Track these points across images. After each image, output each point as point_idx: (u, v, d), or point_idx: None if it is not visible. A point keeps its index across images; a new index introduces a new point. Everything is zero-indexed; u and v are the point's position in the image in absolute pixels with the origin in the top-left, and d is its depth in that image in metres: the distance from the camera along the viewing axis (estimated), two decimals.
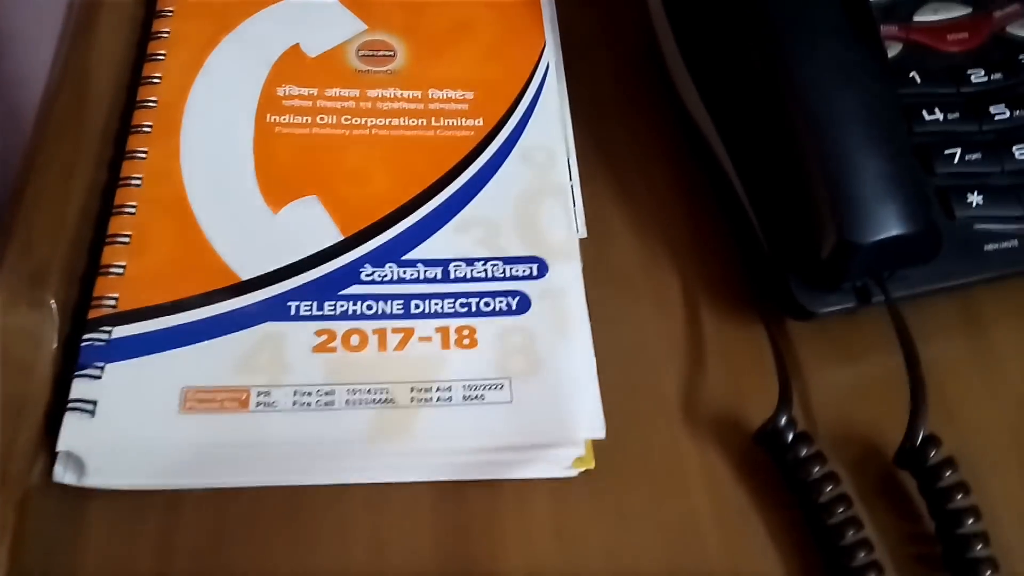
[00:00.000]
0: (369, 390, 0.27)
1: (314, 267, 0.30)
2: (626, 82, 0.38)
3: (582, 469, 0.28)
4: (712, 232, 0.34)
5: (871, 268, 0.30)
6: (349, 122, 0.34)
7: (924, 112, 0.33)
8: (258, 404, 0.27)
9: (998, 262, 0.32)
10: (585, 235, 0.33)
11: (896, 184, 0.29)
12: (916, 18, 0.36)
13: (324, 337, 0.28)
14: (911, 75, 0.34)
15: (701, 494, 0.29)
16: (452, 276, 0.30)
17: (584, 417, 0.27)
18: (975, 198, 0.32)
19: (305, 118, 0.33)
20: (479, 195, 0.32)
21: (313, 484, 0.27)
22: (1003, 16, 0.37)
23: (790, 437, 0.28)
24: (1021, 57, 0.35)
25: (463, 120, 0.34)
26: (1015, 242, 0.32)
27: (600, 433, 0.27)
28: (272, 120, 0.33)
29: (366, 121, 0.34)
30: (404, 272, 0.30)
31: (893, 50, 0.35)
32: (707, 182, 0.35)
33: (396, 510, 0.28)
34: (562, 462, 0.28)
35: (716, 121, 0.33)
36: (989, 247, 0.32)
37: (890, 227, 0.29)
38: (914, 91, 0.34)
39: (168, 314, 0.28)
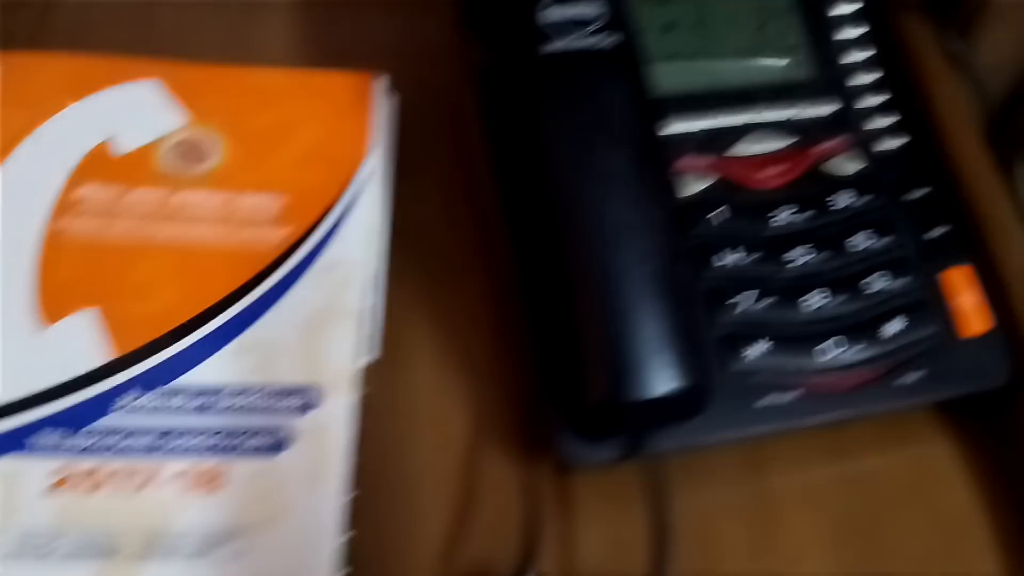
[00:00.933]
0: (96, 539, 0.26)
1: (73, 392, 0.28)
2: (457, 197, 0.36)
3: None
4: (512, 365, 0.33)
5: (635, 424, 0.29)
6: (147, 228, 0.32)
7: (721, 252, 0.32)
8: None
9: (772, 418, 0.31)
10: (377, 357, 0.31)
11: (663, 344, 0.28)
12: (734, 150, 0.35)
13: (61, 476, 0.27)
14: (715, 212, 0.33)
15: None
16: (217, 407, 0.29)
17: (322, 572, 0.26)
18: (758, 348, 0.31)
19: (101, 222, 0.32)
20: (267, 314, 0.31)
21: None
22: (822, 151, 0.36)
23: None
24: (829, 199, 0.34)
25: (269, 229, 0.33)
26: (791, 398, 0.31)
27: None
28: (65, 224, 0.32)
29: (166, 227, 0.32)
30: (166, 402, 0.29)
31: (702, 184, 0.34)
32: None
33: None
34: None
35: (518, 257, 0.32)
36: (764, 402, 0.31)
37: (654, 388, 0.28)
38: (716, 229, 0.33)
39: None
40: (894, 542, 0.32)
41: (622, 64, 0.31)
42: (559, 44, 0.30)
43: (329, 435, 0.29)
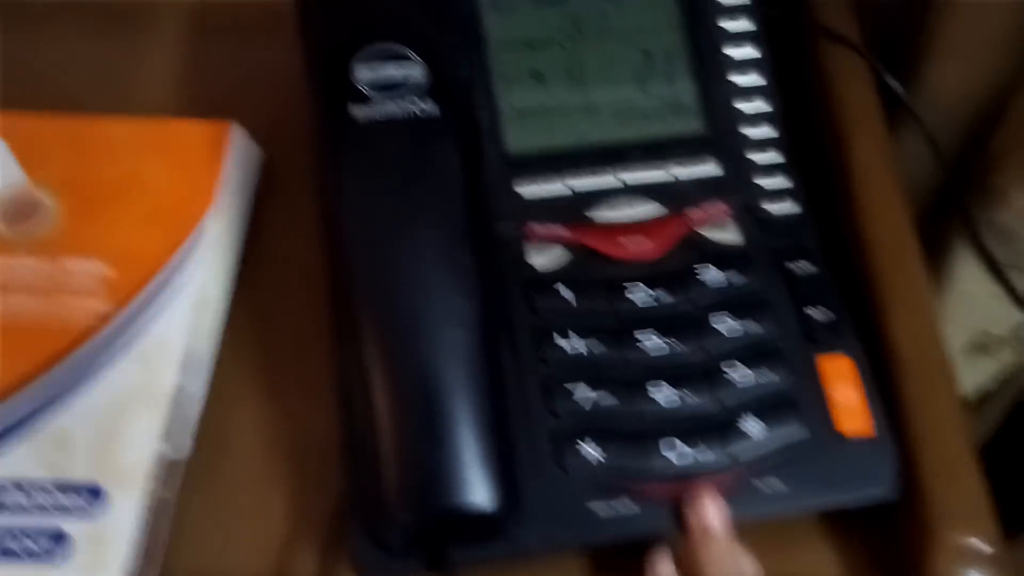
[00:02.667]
0: None
1: None
2: (311, 261, 0.32)
3: None
4: (335, 465, 0.29)
5: (431, 538, 0.26)
6: None
7: (561, 338, 0.28)
8: None
9: (607, 527, 0.27)
10: (188, 453, 0.29)
11: (463, 458, 0.25)
12: (597, 215, 0.31)
13: None
14: (561, 291, 0.29)
15: None
16: None
17: None
18: (591, 448, 0.27)
19: None
20: (68, 399, 0.28)
21: None
22: (698, 218, 0.31)
23: None
24: (697, 268, 0.30)
25: (88, 301, 0.30)
26: (631, 504, 0.27)
27: None
28: None
29: None
30: None
31: (557, 254, 0.30)
32: None
33: None
34: None
35: (335, 347, 0.28)
36: (595, 508, 0.27)
37: (449, 504, 0.25)
38: (564, 306, 0.29)
39: None
40: None
41: (438, 133, 0.28)
42: (367, 109, 0.27)
43: (111, 543, 0.26)
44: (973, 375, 0.44)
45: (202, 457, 0.29)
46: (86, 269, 0.31)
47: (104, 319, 0.30)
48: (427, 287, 0.26)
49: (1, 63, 0.36)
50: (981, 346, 0.43)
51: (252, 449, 0.30)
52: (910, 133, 0.39)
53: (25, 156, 0.33)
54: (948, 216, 0.40)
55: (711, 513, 0.27)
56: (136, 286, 0.31)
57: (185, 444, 0.29)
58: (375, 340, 0.26)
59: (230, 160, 0.33)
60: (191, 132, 0.34)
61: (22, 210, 0.32)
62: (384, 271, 0.26)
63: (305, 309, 0.32)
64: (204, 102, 0.36)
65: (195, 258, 0.31)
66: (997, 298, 0.40)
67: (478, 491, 0.25)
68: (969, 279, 0.40)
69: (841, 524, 0.30)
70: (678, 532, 0.27)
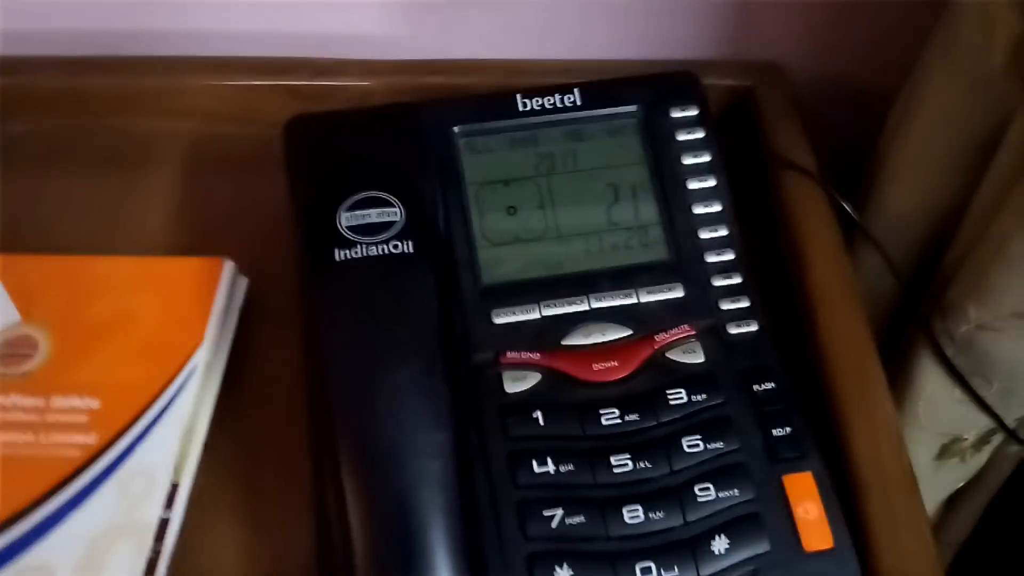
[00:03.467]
0: None
1: None
2: (293, 386, 0.33)
3: None
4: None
5: None
6: None
7: (534, 462, 0.29)
8: None
9: None
10: None
11: None
12: (568, 340, 0.33)
13: None
14: (534, 415, 0.30)
15: None
16: None
17: None
18: (565, 572, 0.28)
19: None
20: (52, 533, 0.29)
21: None
22: (664, 340, 0.33)
23: None
24: (667, 396, 0.31)
25: (75, 436, 0.31)
26: None
27: None
28: None
29: None
30: None
31: (530, 380, 0.32)
32: None
33: None
34: None
35: (313, 472, 0.29)
36: None
37: None
38: (532, 434, 0.30)
39: None
40: None
41: (413, 270, 0.30)
42: (350, 252, 0.29)
43: None
44: (944, 479, 0.45)
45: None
46: (75, 405, 0.32)
47: (91, 453, 0.31)
48: (401, 417, 0.28)
49: (7, 206, 0.39)
50: (951, 450, 0.44)
51: (228, 568, 0.30)
52: (868, 252, 0.42)
53: (20, 296, 0.35)
54: (910, 329, 0.42)
55: None
56: (124, 420, 0.32)
57: (163, 570, 0.29)
58: (350, 468, 0.27)
59: (220, 294, 0.35)
60: (183, 269, 0.36)
61: (16, 350, 0.34)
62: (360, 401, 0.28)
63: (285, 431, 0.33)
64: (194, 232, 0.38)
65: (183, 391, 0.33)
66: (963, 403, 0.41)
67: None
68: (934, 388, 0.41)
69: None
70: None
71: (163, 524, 0.30)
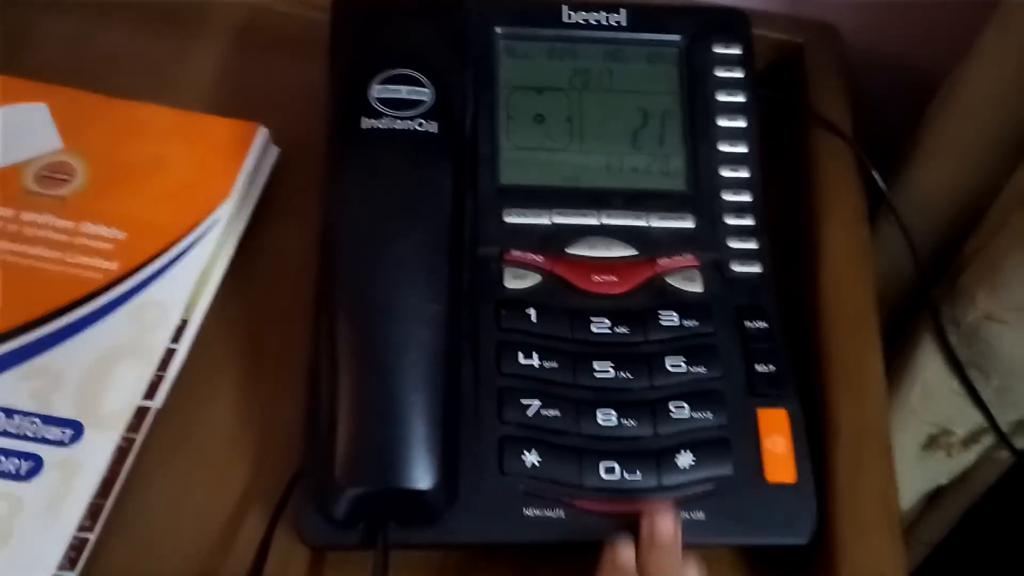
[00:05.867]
0: None
1: None
2: (307, 257, 0.35)
3: None
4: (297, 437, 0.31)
5: (369, 512, 0.29)
6: None
7: (520, 354, 0.32)
8: None
9: (536, 530, 0.30)
10: (162, 406, 0.32)
11: (407, 439, 0.28)
12: (572, 249, 0.35)
13: None
14: (527, 312, 0.32)
15: None
16: None
17: None
18: (532, 457, 0.30)
19: None
20: (64, 344, 0.32)
21: None
22: (666, 266, 0.35)
23: None
24: (660, 313, 0.33)
25: (99, 260, 0.34)
26: (560, 512, 0.30)
27: None
28: None
29: (3, 244, 0.34)
30: None
31: (530, 279, 0.34)
32: None
33: None
34: None
35: (313, 323, 0.32)
36: (530, 512, 0.30)
37: (385, 481, 0.28)
38: (523, 328, 0.32)
39: None
40: None
41: (434, 150, 0.31)
42: (377, 122, 0.31)
43: (80, 473, 0.29)
44: (928, 471, 0.46)
45: (174, 410, 0.32)
46: (102, 233, 0.35)
47: (112, 278, 0.34)
48: (401, 283, 0.30)
49: (68, 43, 0.41)
50: (939, 443, 0.45)
51: (221, 413, 0.33)
52: (890, 228, 0.43)
53: (65, 125, 0.37)
54: (918, 311, 0.43)
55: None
56: (146, 254, 0.35)
57: (163, 396, 0.32)
58: (347, 325, 0.29)
59: (251, 155, 0.37)
60: (220, 127, 0.38)
61: (55, 173, 0.36)
62: (366, 263, 0.30)
63: (291, 297, 0.35)
64: (234, 99, 0.40)
65: (204, 238, 0.35)
66: (958, 396, 0.42)
67: (419, 473, 0.28)
68: (932, 374, 0.42)
69: (758, 568, 0.32)
70: (601, 541, 0.30)
71: (169, 353, 0.33)
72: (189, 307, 0.34)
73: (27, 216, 0.35)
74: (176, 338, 0.33)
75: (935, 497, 0.49)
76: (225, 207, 0.36)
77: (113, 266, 0.34)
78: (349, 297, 0.30)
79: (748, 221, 0.36)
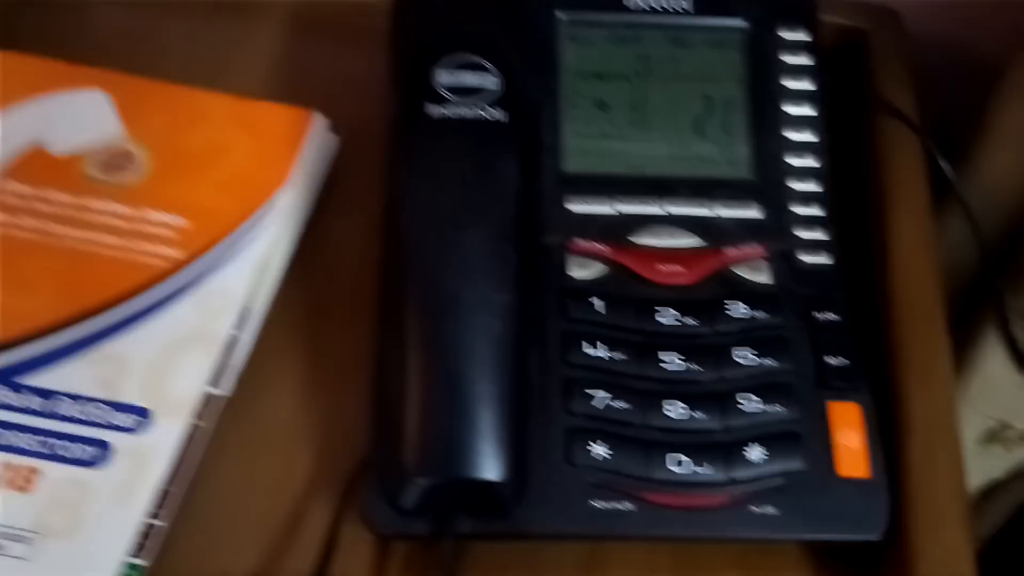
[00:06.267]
0: None
1: None
2: (368, 247, 0.34)
3: None
4: (363, 425, 0.31)
5: (440, 502, 0.28)
6: (51, 228, 0.34)
7: (586, 344, 0.31)
8: None
9: (605, 522, 0.29)
10: (229, 393, 0.32)
11: (479, 431, 0.28)
12: (638, 239, 0.34)
13: None
14: (593, 302, 0.32)
15: None
16: (50, 411, 0.30)
17: None
18: (601, 449, 0.30)
19: (10, 217, 0.34)
20: (130, 331, 0.32)
21: None
22: (733, 256, 0.34)
23: None
24: (728, 303, 0.33)
25: (163, 248, 0.34)
26: (630, 505, 0.30)
27: None
28: None
29: (68, 230, 0.34)
30: (7, 397, 0.30)
31: (595, 269, 0.33)
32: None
33: None
34: None
35: (379, 310, 0.32)
36: (598, 505, 0.29)
37: (456, 471, 0.28)
38: (595, 317, 0.32)
39: None
40: None
41: (502, 138, 0.31)
42: (443, 109, 0.31)
43: (150, 460, 0.29)
44: (984, 464, 0.45)
45: (240, 398, 0.32)
46: (165, 220, 0.35)
47: (175, 266, 0.34)
48: (470, 272, 0.29)
49: (125, 31, 0.41)
50: (997, 436, 0.44)
51: (286, 401, 0.33)
52: (955, 217, 0.42)
53: (127, 113, 0.37)
54: (982, 302, 0.42)
55: None
56: (208, 242, 0.35)
57: (229, 385, 0.32)
58: (416, 313, 0.29)
59: (308, 144, 0.37)
60: (277, 115, 0.38)
61: (116, 160, 0.36)
62: (434, 252, 0.30)
63: (352, 287, 0.35)
64: (292, 89, 0.40)
65: (264, 226, 0.35)
66: (1020, 389, 0.41)
67: (490, 463, 0.28)
68: (994, 366, 0.41)
69: (828, 564, 0.32)
70: (670, 535, 0.29)
71: (233, 340, 0.33)
72: (252, 295, 0.34)
73: (90, 203, 0.35)
74: (240, 325, 0.33)
75: (988, 492, 0.49)
76: (285, 195, 0.36)
77: (176, 253, 0.34)
78: (417, 286, 0.30)
79: (816, 211, 0.35)
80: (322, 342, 0.35)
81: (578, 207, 0.34)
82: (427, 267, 0.30)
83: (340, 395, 0.33)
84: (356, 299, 0.35)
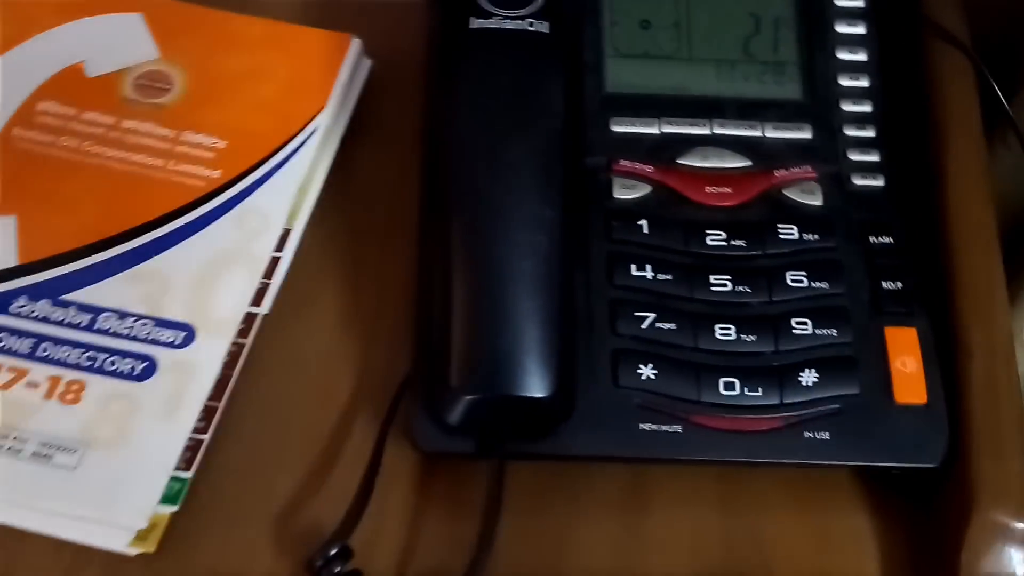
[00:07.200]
0: None
1: None
2: (404, 169, 0.35)
3: (140, 551, 0.28)
4: (405, 343, 0.31)
5: (485, 420, 0.28)
6: (91, 148, 0.34)
7: (632, 266, 0.30)
8: None
9: (651, 444, 0.29)
10: (269, 311, 0.32)
11: (525, 347, 0.27)
12: (684, 160, 0.33)
13: None
14: (639, 223, 0.31)
15: None
16: (96, 327, 0.30)
17: (137, 505, 0.27)
18: (648, 370, 0.29)
19: (50, 137, 0.34)
20: (172, 249, 0.32)
21: None
22: (783, 177, 0.33)
23: (336, 569, 0.27)
24: (781, 227, 0.32)
25: (202, 169, 0.34)
26: (678, 427, 0.29)
27: (142, 524, 0.27)
28: (16, 133, 0.33)
29: (107, 151, 0.34)
30: (52, 312, 0.30)
31: (640, 189, 0.32)
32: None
33: None
34: (116, 538, 0.27)
35: (421, 231, 0.31)
36: (644, 426, 0.29)
37: (503, 387, 0.27)
38: (641, 238, 0.31)
39: None
40: None
41: (547, 51, 0.30)
42: (486, 21, 0.30)
43: (193, 374, 0.29)
44: None
45: (280, 317, 0.32)
46: (203, 142, 0.34)
47: (214, 186, 0.33)
48: (516, 187, 0.29)
49: None
50: None
51: (326, 321, 0.33)
52: (1006, 147, 0.40)
53: (162, 36, 0.36)
54: None
55: None
56: (247, 163, 0.34)
57: (269, 305, 0.32)
58: (463, 229, 0.28)
59: (346, 66, 0.36)
60: (313, 39, 0.37)
61: (153, 82, 0.36)
62: (480, 167, 0.29)
63: (389, 208, 0.35)
64: (325, 11, 0.39)
65: (303, 147, 0.34)
66: None
67: (537, 380, 0.27)
68: None
69: (881, 495, 0.31)
70: (716, 459, 0.29)
71: (274, 261, 0.33)
72: (291, 216, 0.34)
73: (128, 124, 0.34)
74: (280, 247, 0.33)
75: None
76: (321, 118, 0.35)
77: (215, 174, 0.34)
78: (463, 202, 0.29)
79: (869, 132, 0.34)
80: (360, 263, 0.34)
81: (621, 128, 0.33)
82: (473, 182, 0.29)
83: (379, 316, 0.33)
84: (392, 222, 0.34)
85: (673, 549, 0.30)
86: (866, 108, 0.34)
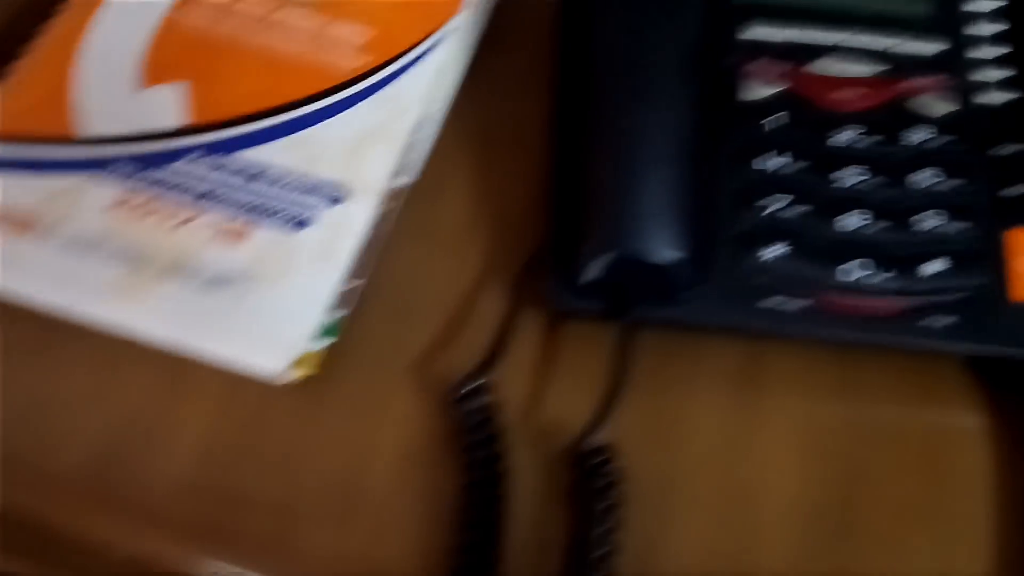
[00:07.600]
0: (133, 251, 0.30)
1: (151, 141, 0.32)
2: (537, 67, 0.37)
3: (301, 373, 0.30)
4: (539, 217, 0.33)
5: (618, 281, 0.29)
6: (249, 29, 0.36)
7: (768, 154, 0.32)
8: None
9: (777, 320, 0.30)
10: (412, 182, 0.34)
11: (657, 210, 0.29)
12: (814, 66, 0.34)
13: (123, 199, 0.31)
14: (772, 117, 0.32)
15: (388, 433, 0.30)
16: (260, 181, 0.32)
17: (299, 330, 0.30)
18: (776, 250, 0.30)
19: (213, 17, 0.36)
20: (326, 122, 0.34)
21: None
22: (912, 86, 0.34)
23: (474, 401, 0.28)
24: (903, 133, 0.32)
25: (350, 54, 0.36)
26: (801, 304, 0.30)
27: (304, 348, 0.29)
28: (183, 13, 0.36)
29: (264, 33, 0.36)
30: (221, 166, 0.32)
31: (769, 90, 0.33)
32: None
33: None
34: (277, 360, 0.30)
35: (557, 114, 0.33)
36: (768, 303, 0.30)
37: (638, 249, 0.28)
38: (769, 133, 0.32)
39: None
40: (871, 506, 0.29)
41: None
42: None
43: (347, 228, 0.31)
44: None
45: (418, 196, 0.34)
46: (353, 31, 0.36)
47: (361, 70, 0.35)
48: (654, 67, 0.30)
49: None
50: None
51: (461, 196, 0.35)
52: None
53: None
54: None
55: None
56: (390, 53, 0.36)
57: (410, 177, 0.34)
58: (598, 100, 0.30)
59: None
60: None
61: None
62: (619, 53, 0.30)
63: (522, 107, 0.36)
64: None
65: (441, 44, 0.36)
66: None
67: (668, 244, 0.29)
68: None
69: (995, 392, 0.32)
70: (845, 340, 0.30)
71: (412, 140, 0.34)
72: (430, 101, 0.35)
73: (284, 12, 0.37)
74: (418, 128, 0.35)
75: None
76: (460, 18, 0.37)
77: (363, 60, 0.36)
78: (601, 79, 0.30)
79: (1004, 49, 0.34)
80: (492, 151, 0.36)
81: (750, 34, 0.34)
82: (613, 65, 0.30)
83: (510, 192, 0.35)
84: (525, 117, 0.36)
85: (784, 429, 0.31)
86: (1001, 26, 0.34)
